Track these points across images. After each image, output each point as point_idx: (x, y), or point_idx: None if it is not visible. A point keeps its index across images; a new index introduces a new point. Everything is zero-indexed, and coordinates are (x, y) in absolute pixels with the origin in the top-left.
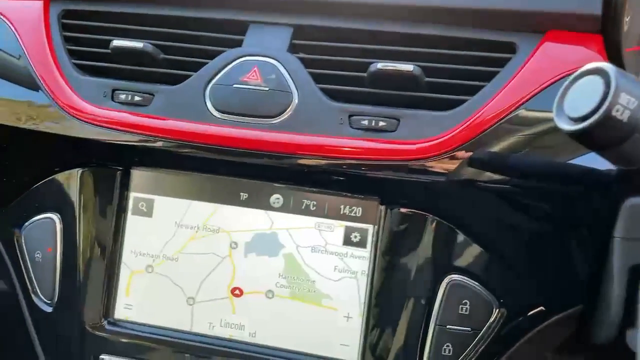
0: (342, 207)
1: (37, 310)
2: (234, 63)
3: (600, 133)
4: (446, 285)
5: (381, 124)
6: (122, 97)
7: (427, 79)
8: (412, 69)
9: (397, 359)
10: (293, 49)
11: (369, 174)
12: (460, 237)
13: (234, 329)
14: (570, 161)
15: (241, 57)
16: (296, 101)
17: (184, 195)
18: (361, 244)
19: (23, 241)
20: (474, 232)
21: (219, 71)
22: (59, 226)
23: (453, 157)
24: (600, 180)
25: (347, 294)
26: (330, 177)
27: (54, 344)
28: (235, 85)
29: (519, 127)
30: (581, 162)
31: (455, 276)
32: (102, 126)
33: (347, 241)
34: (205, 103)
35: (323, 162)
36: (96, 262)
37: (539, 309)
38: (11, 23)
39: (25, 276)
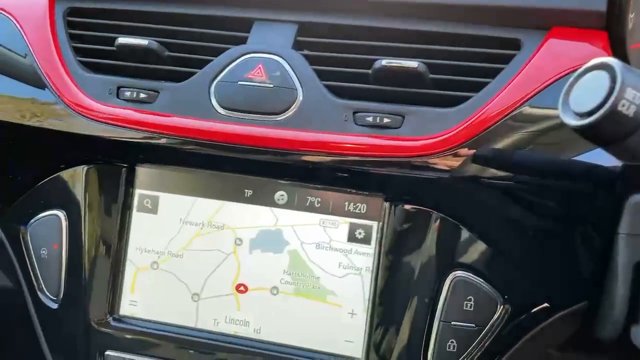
0: (346, 203)
1: (43, 306)
2: (238, 60)
3: (606, 128)
4: (451, 282)
5: (386, 120)
6: (127, 94)
7: (432, 75)
8: (416, 66)
9: (401, 355)
10: (298, 46)
11: (373, 171)
12: (465, 234)
13: (239, 325)
14: (575, 158)
15: (246, 54)
16: (301, 98)
17: (189, 192)
18: (365, 240)
19: (29, 238)
20: (478, 228)
21: (224, 68)
22: (64, 223)
23: (458, 154)
24: (604, 177)
25: (351, 291)
26: (335, 174)
27: (60, 340)
28: (240, 82)
29: (523, 124)
30: (586, 159)
31: (459, 272)
32: (107, 123)
33: (352, 238)
34: (210, 100)
35: (328, 158)
36: (101, 258)
37: (543, 305)
38: (17, 21)
39: (31, 273)
